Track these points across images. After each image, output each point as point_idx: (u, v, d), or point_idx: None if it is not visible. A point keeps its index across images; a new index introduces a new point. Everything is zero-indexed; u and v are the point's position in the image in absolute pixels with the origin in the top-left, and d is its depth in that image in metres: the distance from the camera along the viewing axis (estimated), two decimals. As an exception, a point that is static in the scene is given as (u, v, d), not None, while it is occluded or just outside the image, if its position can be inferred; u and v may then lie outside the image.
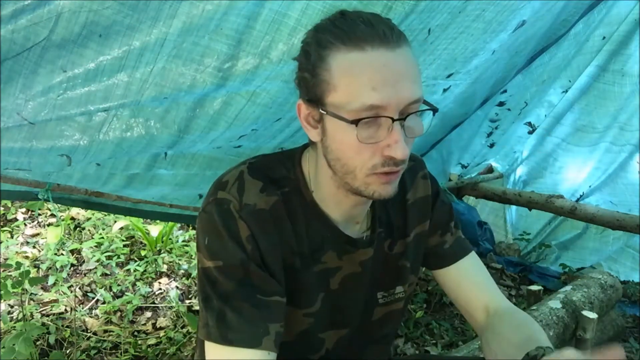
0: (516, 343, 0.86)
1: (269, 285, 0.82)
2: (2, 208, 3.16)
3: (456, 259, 1.02)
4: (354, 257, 0.93)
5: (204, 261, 0.82)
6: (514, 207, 3.29)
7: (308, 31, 0.81)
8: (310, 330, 0.93)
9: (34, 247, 2.98)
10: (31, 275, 2.22)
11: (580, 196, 2.82)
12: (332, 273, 0.93)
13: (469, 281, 1.01)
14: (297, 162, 0.91)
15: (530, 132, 2.72)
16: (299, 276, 0.88)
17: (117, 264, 2.91)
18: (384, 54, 0.74)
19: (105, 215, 3.25)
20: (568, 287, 2.10)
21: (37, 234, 3.09)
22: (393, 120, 0.74)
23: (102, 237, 3.09)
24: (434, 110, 0.80)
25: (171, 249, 3.10)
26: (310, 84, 0.79)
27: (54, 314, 2.41)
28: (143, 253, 3.03)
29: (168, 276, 2.88)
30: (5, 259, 2.78)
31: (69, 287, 2.61)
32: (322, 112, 0.78)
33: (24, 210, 3.23)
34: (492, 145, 2.74)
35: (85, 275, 2.79)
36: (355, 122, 0.74)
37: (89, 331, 2.32)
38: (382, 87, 0.73)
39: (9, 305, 2.44)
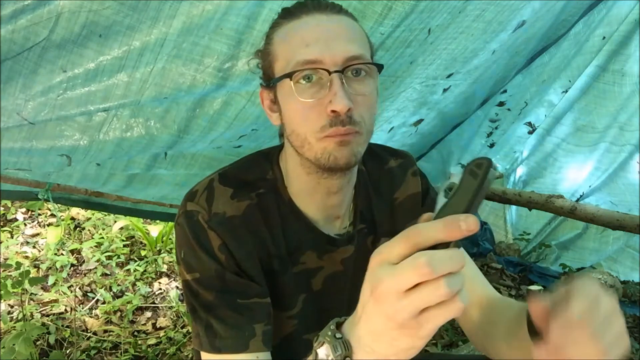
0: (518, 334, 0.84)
1: (248, 288, 0.82)
2: (2, 208, 3.16)
3: None
4: (334, 256, 0.92)
5: (184, 274, 0.83)
6: (514, 207, 3.29)
7: None
8: (295, 333, 0.92)
9: (34, 247, 2.98)
10: (31, 275, 2.22)
11: (580, 196, 2.81)
12: (312, 274, 0.92)
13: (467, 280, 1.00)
14: (275, 161, 0.90)
15: (530, 132, 2.72)
16: (278, 278, 0.88)
17: (117, 264, 2.91)
18: (317, 17, 0.77)
19: (105, 215, 3.26)
20: (568, 287, 2.09)
21: (37, 234, 3.09)
22: (330, 73, 0.74)
23: (102, 237, 3.09)
24: (379, 67, 0.80)
25: (171, 249, 3.10)
26: (263, 66, 0.82)
27: (54, 314, 2.41)
28: (143, 253, 3.03)
29: (168, 276, 2.88)
30: (5, 259, 2.78)
31: (69, 287, 2.61)
32: (273, 86, 0.80)
33: (24, 210, 3.23)
34: (492, 145, 2.74)
35: (85, 275, 2.79)
36: (289, 75, 0.75)
37: (89, 331, 2.32)
38: (315, 43, 0.75)
39: (9, 305, 2.44)
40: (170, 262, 2.99)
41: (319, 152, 0.77)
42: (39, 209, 3.20)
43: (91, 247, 2.98)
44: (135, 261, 2.95)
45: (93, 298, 2.59)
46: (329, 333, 0.57)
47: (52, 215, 3.21)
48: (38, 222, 3.19)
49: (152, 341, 2.30)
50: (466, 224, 0.46)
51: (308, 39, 0.75)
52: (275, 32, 0.81)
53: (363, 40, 0.80)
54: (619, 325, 0.56)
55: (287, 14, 0.80)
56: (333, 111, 0.74)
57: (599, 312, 0.55)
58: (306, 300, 0.92)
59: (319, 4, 0.79)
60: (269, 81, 0.81)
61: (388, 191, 0.99)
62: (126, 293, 2.66)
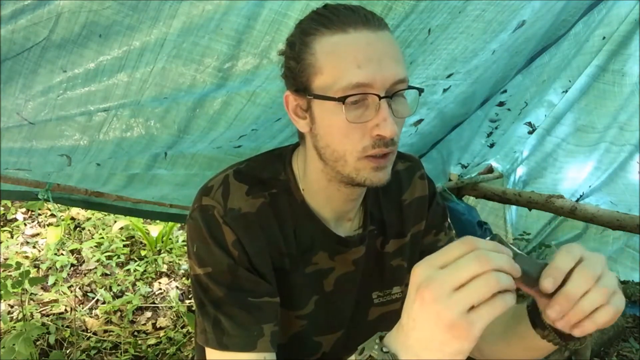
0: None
1: (259, 286, 0.82)
2: (2, 208, 3.16)
3: None
4: (346, 256, 0.92)
5: (195, 268, 0.83)
6: (514, 207, 3.29)
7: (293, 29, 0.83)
8: (304, 333, 0.93)
9: (34, 247, 2.98)
10: (31, 275, 2.23)
11: (580, 196, 2.81)
12: (325, 274, 0.92)
13: None
14: (288, 162, 0.91)
15: (530, 132, 2.71)
16: (289, 278, 0.88)
17: (117, 264, 2.91)
18: (367, 34, 0.75)
19: (105, 215, 3.26)
20: (568, 287, 2.09)
21: (37, 234, 3.09)
22: (380, 98, 0.74)
23: (102, 237, 3.09)
24: (420, 90, 0.81)
25: (171, 249, 3.10)
26: (296, 72, 0.80)
27: (54, 314, 2.41)
28: (143, 253, 3.03)
29: (168, 276, 2.88)
30: (5, 259, 2.78)
31: (69, 287, 2.61)
32: (310, 97, 0.78)
33: (24, 210, 3.23)
34: (492, 145, 2.73)
35: (85, 275, 2.79)
36: (343, 99, 0.74)
37: (89, 331, 2.32)
38: (367, 65, 0.74)
39: (9, 305, 2.44)
40: (170, 262, 2.99)
41: (353, 172, 0.79)
42: (39, 209, 3.20)
43: (91, 247, 2.98)
44: (135, 261, 2.95)
45: (93, 298, 2.59)
46: (375, 347, 0.56)
47: (52, 215, 3.21)
48: (38, 222, 3.19)
49: (152, 341, 2.30)
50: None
51: (359, 60, 0.74)
52: (316, 41, 0.77)
53: (403, 56, 0.80)
54: (614, 278, 0.60)
55: (329, 24, 0.76)
56: (379, 135, 0.75)
57: (598, 263, 0.59)
58: (318, 301, 0.92)
59: (365, 17, 0.76)
60: (304, 90, 0.79)
61: (396, 193, 0.99)
62: (126, 293, 2.67)
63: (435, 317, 0.50)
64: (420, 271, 0.53)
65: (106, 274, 2.81)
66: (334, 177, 0.83)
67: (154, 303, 2.62)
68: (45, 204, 2.39)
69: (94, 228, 3.21)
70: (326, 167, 0.82)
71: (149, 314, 2.53)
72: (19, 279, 2.07)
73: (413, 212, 1.00)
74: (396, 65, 0.76)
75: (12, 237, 3.01)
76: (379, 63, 0.74)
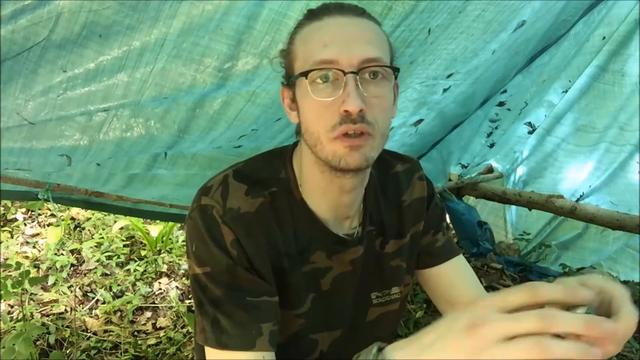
0: None
1: (257, 286, 0.82)
2: (2, 208, 3.16)
3: (449, 257, 1.02)
4: (344, 256, 0.92)
5: (194, 268, 0.83)
6: (514, 207, 3.29)
7: None
8: (302, 331, 0.93)
9: (34, 247, 2.98)
10: (31, 275, 2.22)
11: (580, 196, 2.81)
12: (322, 274, 0.92)
13: (462, 279, 1.01)
14: (288, 160, 0.91)
15: (530, 132, 2.72)
16: (287, 277, 0.88)
17: (117, 264, 2.91)
18: (339, 19, 0.78)
19: (105, 215, 3.26)
20: (568, 287, 2.09)
21: (37, 234, 3.09)
22: (345, 73, 0.75)
23: (102, 237, 3.09)
24: (395, 70, 0.81)
25: (171, 249, 3.10)
26: (285, 66, 0.84)
27: (54, 314, 2.41)
28: (143, 253, 3.03)
29: (168, 276, 2.88)
30: (5, 259, 2.78)
31: (69, 287, 2.61)
32: (290, 84, 0.82)
33: (24, 210, 3.23)
34: (492, 145, 2.74)
35: (85, 275, 2.79)
36: (305, 73, 0.76)
37: (89, 331, 2.32)
38: (332, 44, 0.76)
39: (9, 305, 2.44)
40: (170, 262, 2.99)
41: (329, 154, 0.78)
42: (39, 209, 3.20)
43: (91, 247, 2.98)
44: (135, 261, 2.95)
45: (93, 298, 2.59)
46: (372, 358, 0.57)
47: (52, 215, 3.21)
48: (38, 222, 3.19)
49: (152, 341, 2.30)
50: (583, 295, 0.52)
51: (326, 39, 0.76)
52: (297, 32, 0.82)
53: (382, 43, 0.80)
54: None
55: (310, 15, 0.81)
56: (345, 111, 0.75)
57: None
58: (315, 300, 0.92)
59: (341, 6, 0.80)
60: (289, 79, 0.83)
61: (395, 194, 0.99)
62: (126, 293, 2.67)
63: (473, 354, 0.50)
64: (481, 307, 0.52)
65: (106, 274, 2.81)
66: (324, 167, 0.83)
67: (154, 303, 2.62)
68: (45, 204, 2.39)
69: (94, 228, 3.21)
70: (316, 157, 0.82)
71: (149, 314, 2.53)
72: (19, 279, 2.07)
73: (412, 213, 1.00)
74: (365, 45, 0.76)
75: (12, 237, 3.01)
76: (346, 42, 0.76)
